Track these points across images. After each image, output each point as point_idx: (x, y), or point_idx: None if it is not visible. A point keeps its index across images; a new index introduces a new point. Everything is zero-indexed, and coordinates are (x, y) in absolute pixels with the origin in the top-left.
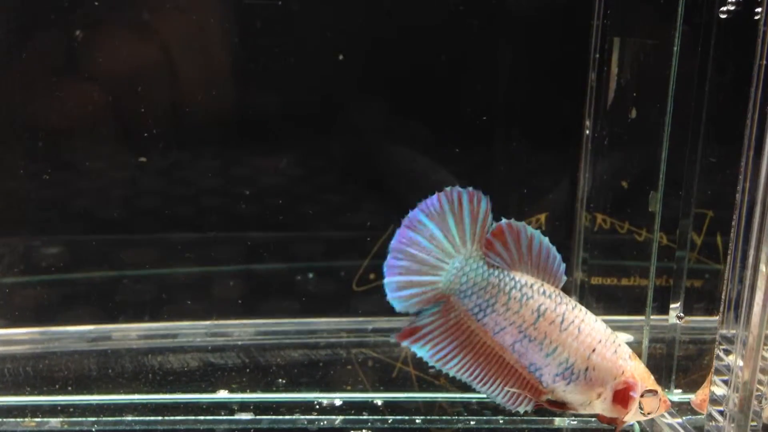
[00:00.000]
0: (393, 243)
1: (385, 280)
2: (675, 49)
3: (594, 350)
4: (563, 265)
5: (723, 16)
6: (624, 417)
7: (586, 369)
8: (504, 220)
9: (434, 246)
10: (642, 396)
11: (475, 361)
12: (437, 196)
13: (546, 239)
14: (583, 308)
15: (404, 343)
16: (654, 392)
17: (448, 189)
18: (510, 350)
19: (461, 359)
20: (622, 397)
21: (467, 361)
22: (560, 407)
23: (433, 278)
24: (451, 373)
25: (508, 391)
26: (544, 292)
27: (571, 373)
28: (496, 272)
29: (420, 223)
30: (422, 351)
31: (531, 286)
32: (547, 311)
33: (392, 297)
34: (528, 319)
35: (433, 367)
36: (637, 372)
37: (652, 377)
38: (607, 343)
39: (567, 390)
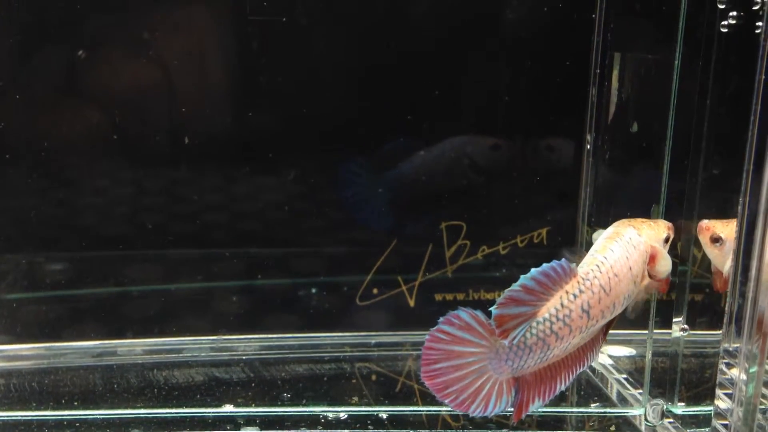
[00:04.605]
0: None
1: (470, 412)
2: (676, 63)
3: (630, 268)
4: (563, 260)
5: (724, 31)
6: (663, 272)
7: (635, 283)
8: (493, 311)
9: (466, 370)
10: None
11: (565, 372)
12: (425, 350)
13: (535, 271)
14: (598, 255)
15: (524, 416)
16: (668, 238)
17: (428, 336)
18: (581, 340)
19: (558, 381)
20: (653, 261)
21: (562, 377)
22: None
23: (489, 384)
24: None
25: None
26: (573, 296)
27: (631, 297)
28: (528, 334)
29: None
30: (536, 407)
31: (562, 306)
32: (590, 301)
33: (491, 413)
34: (582, 323)
35: None
36: (650, 238)
37: (653, 225)
38: (630, 253)
39: (627, 305)
